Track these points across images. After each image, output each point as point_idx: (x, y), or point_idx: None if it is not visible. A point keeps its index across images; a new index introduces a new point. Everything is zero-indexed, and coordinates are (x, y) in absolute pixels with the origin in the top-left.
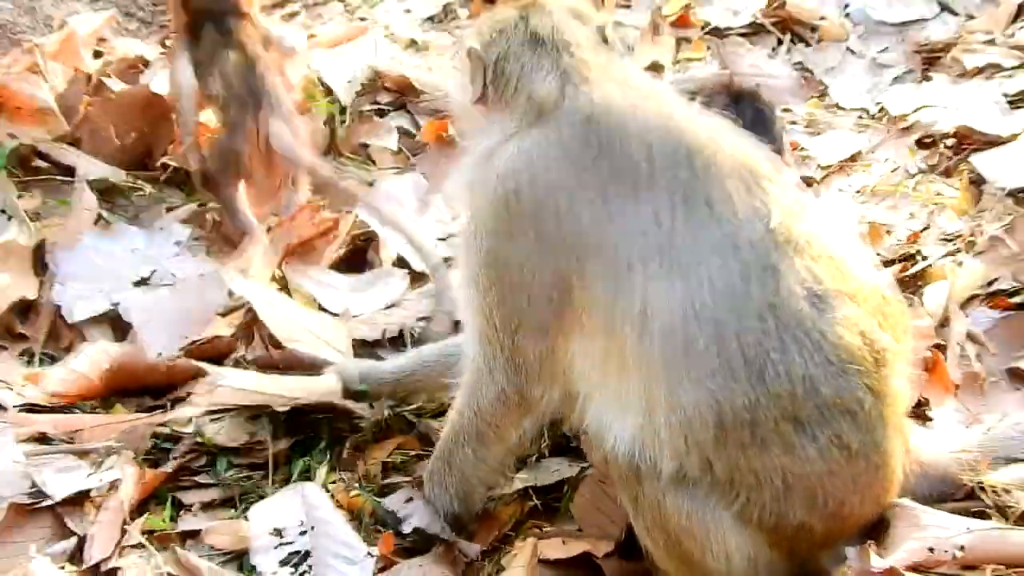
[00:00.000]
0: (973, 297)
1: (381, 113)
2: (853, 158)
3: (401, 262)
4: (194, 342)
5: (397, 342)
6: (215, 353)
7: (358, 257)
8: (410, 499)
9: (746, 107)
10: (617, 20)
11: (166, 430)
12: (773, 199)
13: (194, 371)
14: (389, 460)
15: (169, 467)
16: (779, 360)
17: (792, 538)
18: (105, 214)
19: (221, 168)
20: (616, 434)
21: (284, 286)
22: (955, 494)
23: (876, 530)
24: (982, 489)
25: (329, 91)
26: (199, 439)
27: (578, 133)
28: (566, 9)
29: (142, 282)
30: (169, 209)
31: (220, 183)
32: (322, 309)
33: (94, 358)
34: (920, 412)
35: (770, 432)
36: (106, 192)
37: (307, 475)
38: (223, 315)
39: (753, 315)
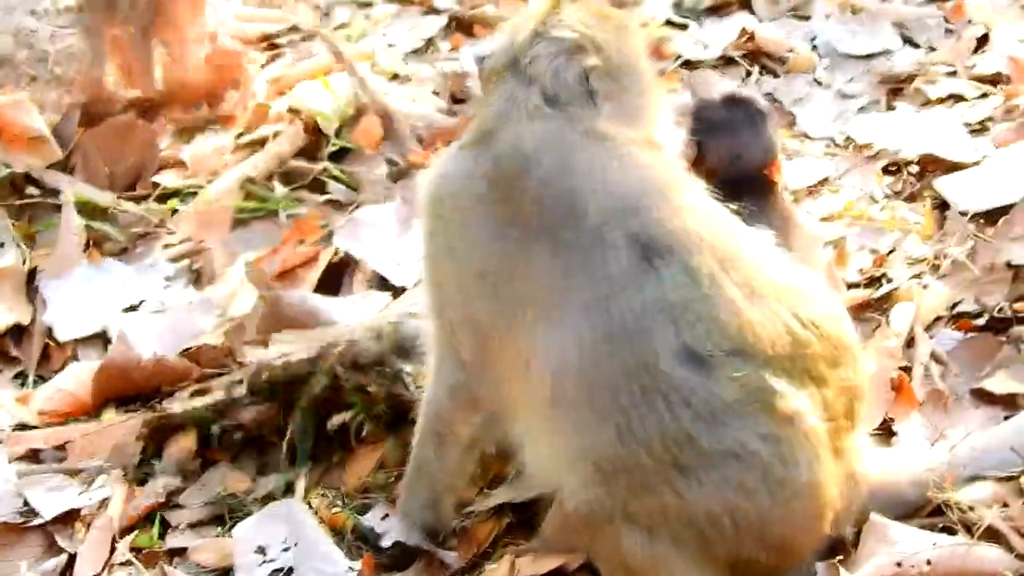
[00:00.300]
0: (938, 319)
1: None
2: (821, 184)
3: (380, 280)
4: (185, 349)
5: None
6: (204, 358)
7: (335, 278)
8: (387, 515)
9: (738, 112)
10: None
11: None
12: (660, 268)
13: (183, 369)
14: (370, 479)
15: (159, 486)
16: (647, 417)
17: (737, 567)
18: (96, 239)
19: None
20: (527, 456)
21: None
22: (923, 510)
23: (846, 546)
24: (948, 506)
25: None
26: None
27: (488, 172)
28: (564, 37)
29: (132, 309)
30: (166, 246)
31: None
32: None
33: (80, 376)
34: (886, 429)
35: (653, 478)
36: (96, 215)
37: (291, 492)
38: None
39: (618, 375)
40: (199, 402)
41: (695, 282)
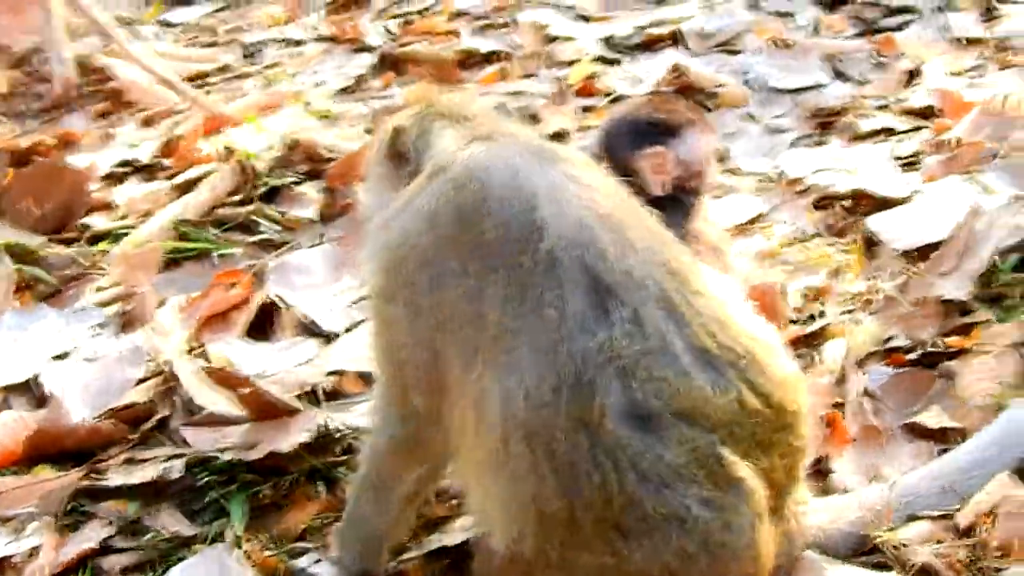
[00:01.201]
0: (871, 354)
1: (298, 182)
2: (753, 221)
3: (311, 324)
4: (111, 409)
5: (310, 396)
6: (134, 417)
7: (265, 323)
8: (320, 560)
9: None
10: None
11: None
12: (611, 312)
13: (115, 433)
14: (306, 524)
15: (91, 534)
16: (591, 473)
17: None
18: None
19: None
20: (469, 502)
21: (202, 354)
22: (862, 549)
23: None
24: (883, 545)
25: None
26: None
27: (449, 204)
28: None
29: (61, 357)
30: (97, 289)
31: None
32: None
33: (9, 425)
34: (820, 468)
35: (591, 535)
36: (26, 259)
37: (223, 537)
38: (137, 383)
39: (563, 429)
40: (135, 477)
41: (645, 334)
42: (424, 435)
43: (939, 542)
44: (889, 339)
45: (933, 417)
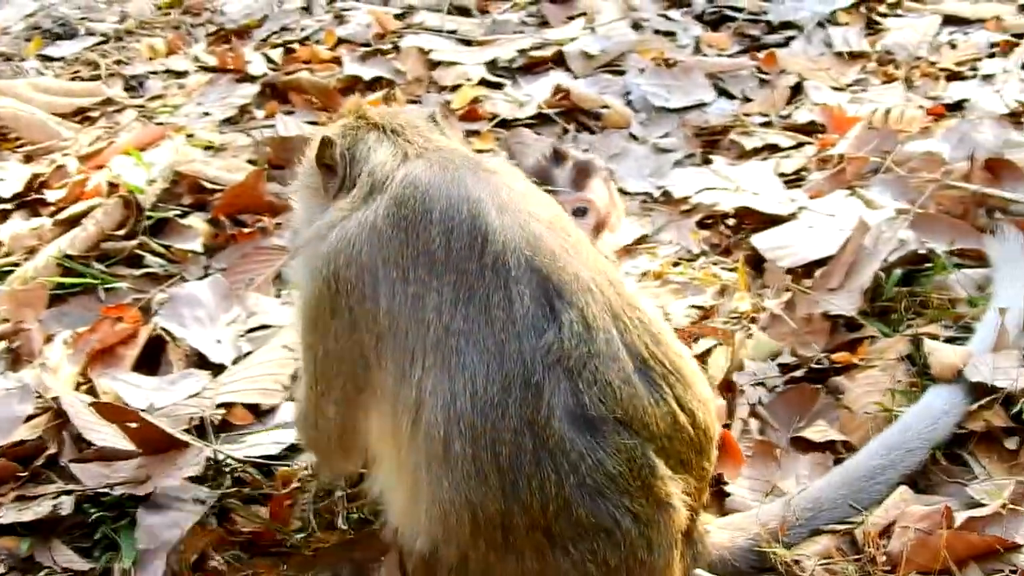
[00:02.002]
0: (757, 371)
1: (183, 215)
2: (639, 241)
3: (199, 357)
4: (1, 446)
5: (200, 431)
6: (24, 454)
7: (154, 356)
8: None
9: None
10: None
11: None
12: (559, 313)
13: (5, 470)
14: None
15: None
16: (532, 475)
17: None
18: None
19: None
20: (392, 508)
21: (91, 389)
22: (762, 566)
23: None
24: (776, 560)
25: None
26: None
27: (391, 214)
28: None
29: None
30: None
31: None
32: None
33: None
34: (717, 489)
35: (522, 539)
36: None
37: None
38: (25, 421)
39: (509, 429)
40: (27, 514)
41: (592, 337)
42: (331, 451)
43: (828, 557)
44: (775, 356)
45: (819, 431)
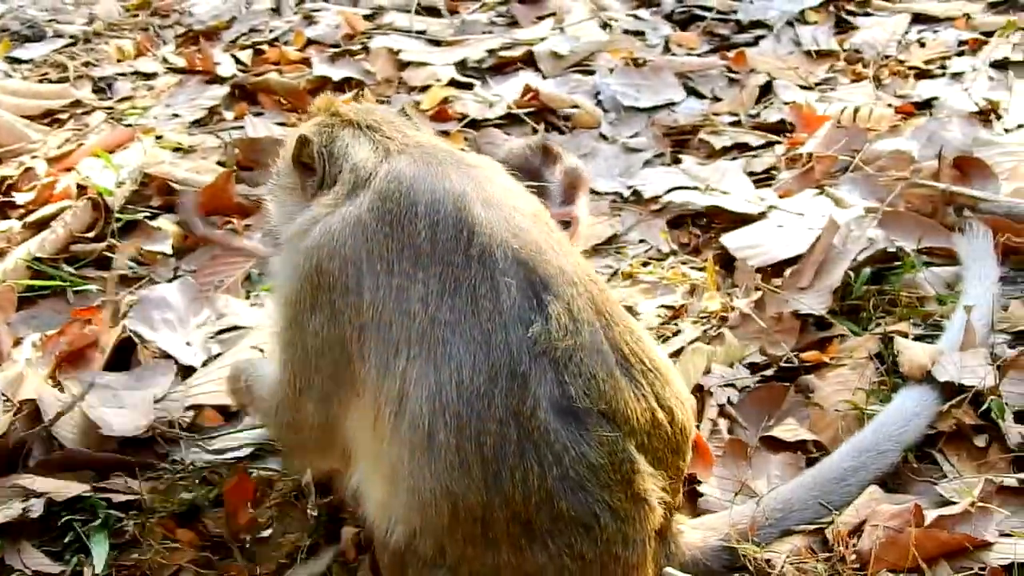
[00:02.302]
0: (727, 371)
1: (152, 217)
2: (609, 241)
3: (168, 359)
4: None
5: (167, 434)
6: None
7: (124, 358)
8: None
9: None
10: None
11: None
12: (545, 304)
13: None
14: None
15: None
16: (516, 467)
17: None
18: None
19: None
20: (368, 501)
21: (61, 391)
22: (734, 565)
23: None
24: (747, 559)
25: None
26: None
27: (376, 209)
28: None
29: None
30: None
31: None
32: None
33: None
34: (689, 489)
35: (501, 532)
36: None
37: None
38: None
39: (495, 419)
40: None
41: (578, 329)
42: (305, 448)
43: (799, 556)
44: (744, 358)
45: (789, 430)
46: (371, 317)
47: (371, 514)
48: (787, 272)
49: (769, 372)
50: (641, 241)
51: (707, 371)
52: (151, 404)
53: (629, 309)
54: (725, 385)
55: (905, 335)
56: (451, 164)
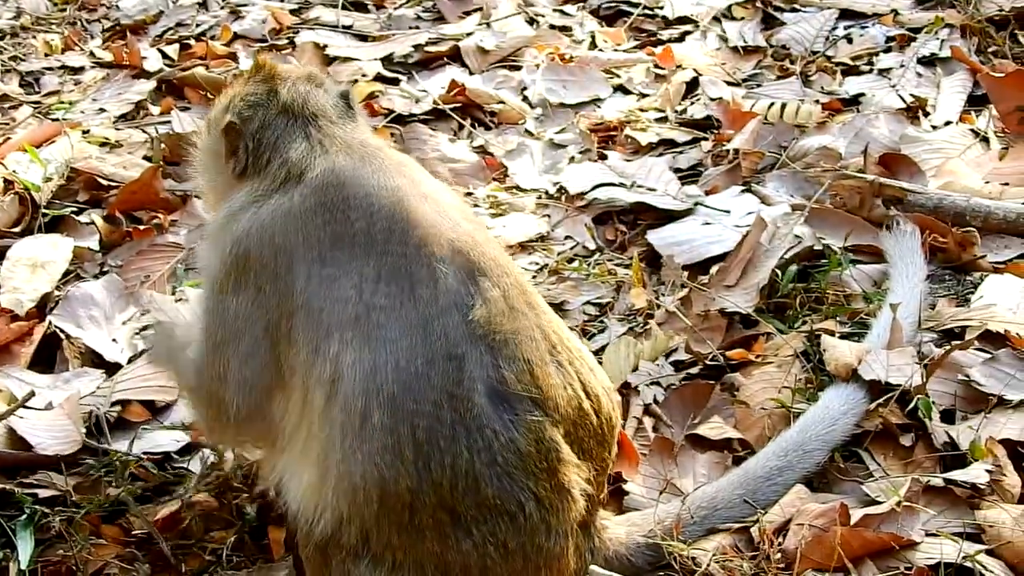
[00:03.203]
0: (651, 369)
1: (79, 212)
2: (541, 238)
3: (94, 355)
4: None
5: (96, 429)
6: None
7: (49, 354)
8: None
9: None
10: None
11: None
12: (483, 291)
13: None
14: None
15: None
16: (446, 451)
17: None
18: None
19: None
20: (292, 489)
21: None
22: (658, 563)
23: None
24: (672, 557)
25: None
26: None
27: (310, 200)
28: (307, 78)
29: None
30: None
31: None
32: (26, 407)
33: None
34: (615, 487)
35: (427, 518)
36: None
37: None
38: None
39: (430, 401)
40: None
41: (515, 316)
42: (224, 430)
43: (724, 554)
44: (671, 353)
45: (714, 428)
46: (300, 304)
47: (297, 502)
48: (713, 269)
49: (695, 370)
50: (567, 238)
51: (634, 368)
52: (80, 419)
53: (556, 306)
54: (651, 383)
55: (832, 333)
56: (386, 162)
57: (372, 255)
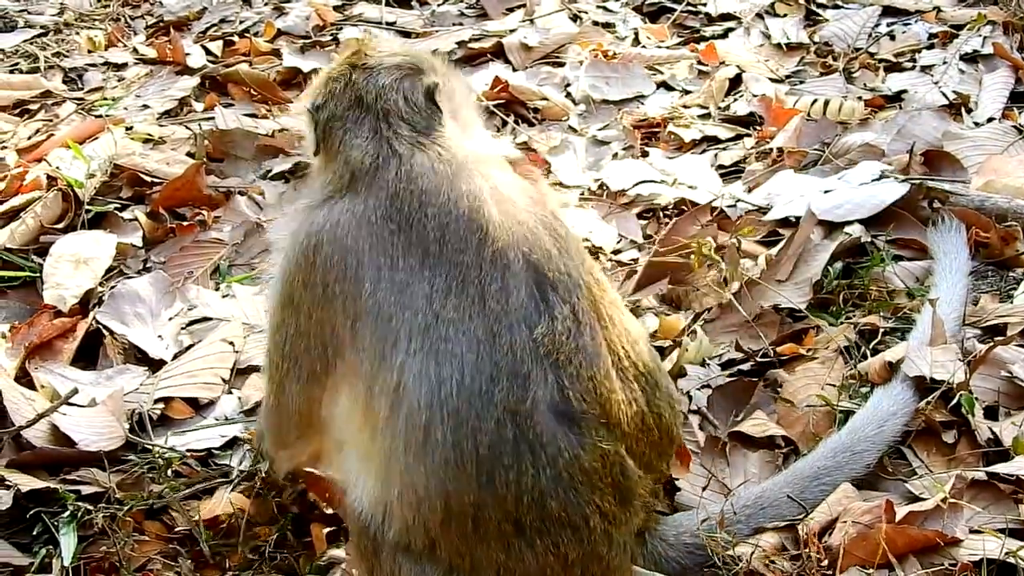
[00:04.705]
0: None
1: (122, 208)
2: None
3: (137, 352)
4: None
5: (139, 425)
6: None
7: (92, 350)
8: None
9: None
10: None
11: None
12: (552, 307)
13: None
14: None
15: None
16: (510, 467)
17: None
18: None
19: None
20: (358, 491)
21: (29, 384)
22: (705, 563)
23: None
24: (717, 556)
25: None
26: None
27: (382, 207)
28: (395, 65)
29: None
30: None
31: None
32: (69, 404)
33: None
34: (667, 485)
35: (492, 529)
36: None
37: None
38: None
39: (493, 418)
40: None
41: (581, 332)
42: (287, 431)
43: (769, 553)
44: (716, 353)
45: (757, 425)
46: (368, 308)
47: (361, 504)
48: (761, 262)
49: (745, 367)
50: (611, 234)
51: (683, 373)
52: (123, 416)
53: (633, 310)
54: (702, 387)
55: (875, 329)
56: (463, 165)
57: (444, 265)
